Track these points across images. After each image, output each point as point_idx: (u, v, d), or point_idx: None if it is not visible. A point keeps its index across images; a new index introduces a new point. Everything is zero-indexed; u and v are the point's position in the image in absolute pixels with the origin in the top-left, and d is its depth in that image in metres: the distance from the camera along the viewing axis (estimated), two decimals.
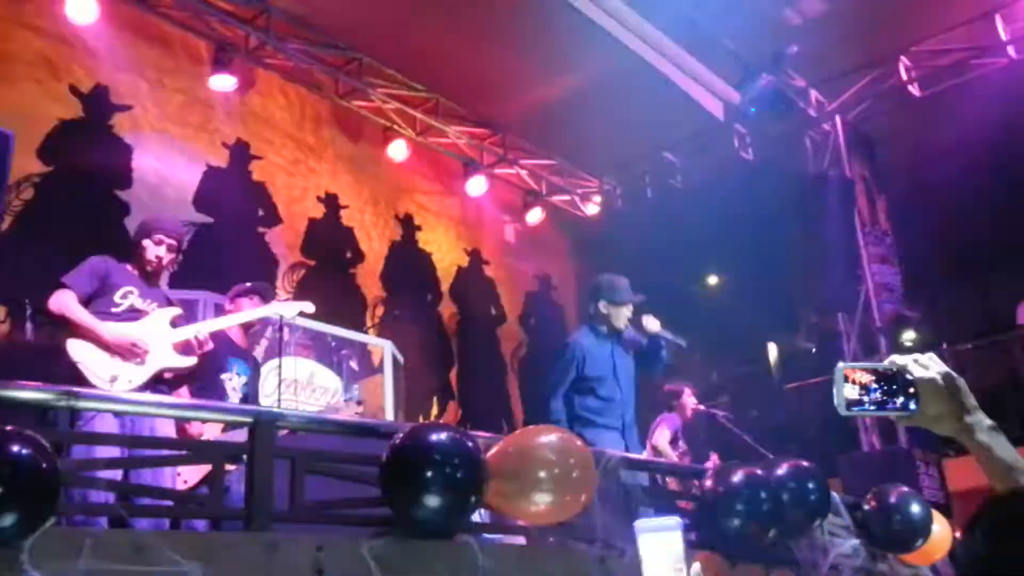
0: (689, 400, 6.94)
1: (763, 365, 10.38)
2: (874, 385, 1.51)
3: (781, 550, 3.58)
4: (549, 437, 2.83)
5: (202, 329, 4.18)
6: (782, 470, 3.61)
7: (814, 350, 10.39)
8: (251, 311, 4.57)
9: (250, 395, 4.65)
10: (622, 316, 5.08)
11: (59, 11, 6.25)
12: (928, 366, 1.51)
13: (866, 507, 4.09)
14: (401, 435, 2.60)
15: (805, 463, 3.71)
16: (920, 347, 8.68)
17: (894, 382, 1.51)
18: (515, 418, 9.42)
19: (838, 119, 8.88)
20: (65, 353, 3.81)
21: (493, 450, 2.74)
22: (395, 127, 8.42)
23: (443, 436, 2.60)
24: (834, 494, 3.88)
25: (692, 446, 7.04)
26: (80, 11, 6.26)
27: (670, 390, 6.98)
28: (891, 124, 8.79)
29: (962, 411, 1.49)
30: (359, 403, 5.63)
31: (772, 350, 10.48)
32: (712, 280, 12.74)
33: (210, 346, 4.18)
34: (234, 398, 4.50)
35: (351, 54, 7.84)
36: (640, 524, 1.56)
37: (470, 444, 2.61)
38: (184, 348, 4.08)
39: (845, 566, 3.77)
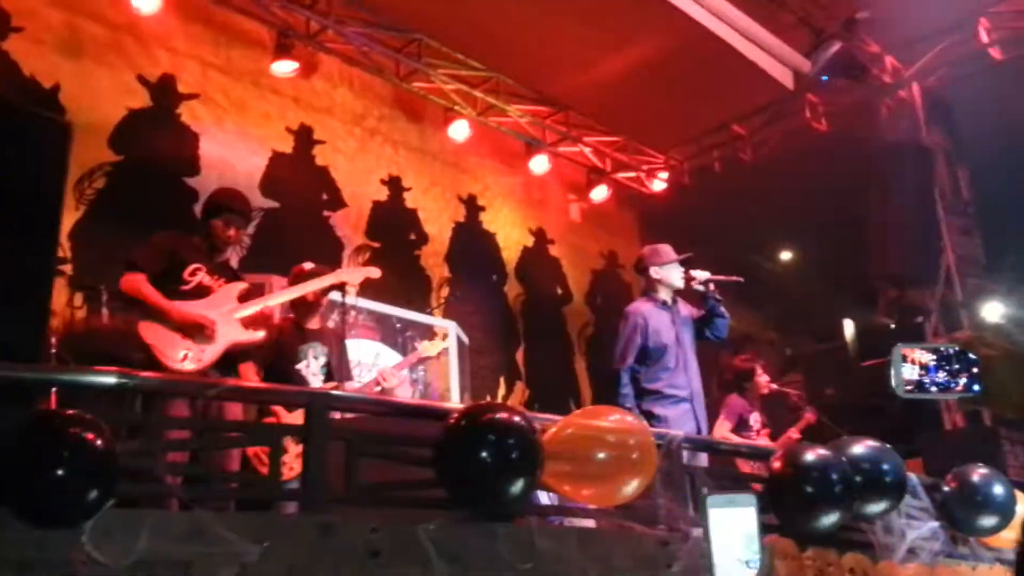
0: (761, 379, 6.74)
1: (839, 342, 10.05)
2: (935, 365, 1.42)
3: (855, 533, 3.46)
4: (608, 418, 2.77)
5: (269, 302, 4.24)
6: (855, 450, 3.47)
7: (893, 326, 10.03)
8: (318, 280, 4.55)
9: (335, 372, 4.66)
10: (675, 276, 5.02)
11: (125, 1, 6.35)
12: (991, 345, 1.41)
13: (946, 488, 3.94)
14: (455, 416, 2.57)
15: (878, 442, 3.57)
16: (1007, 322, 8.32)
17: (956, 362, 1.41)
18: (582, 398, 9.35)
19: (915, 85, 8.51)
20: (139, 336, 3.88)
21: (550, 431, 2.68)
22: (456, 108, 8.39)
23: (498, 417, 2.55)
24: (911, 475, 3.73)
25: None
26: (145, 0, 6.35)
27: (740, 368, 6.77)
28: (971, 90, 8.38)
29: None
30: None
31: (848, 326, 10.14)
32: (784, 255, 12.42)
33: (276, 319, 4.21)
34: (315, 383, 4.52)
35: (411, 35, 7.82)
36: (711, 498, 1.49)
37: (526, 425, 2.56)
38: (252, 322, 4.12)
39: (924, 550, 3.62)
